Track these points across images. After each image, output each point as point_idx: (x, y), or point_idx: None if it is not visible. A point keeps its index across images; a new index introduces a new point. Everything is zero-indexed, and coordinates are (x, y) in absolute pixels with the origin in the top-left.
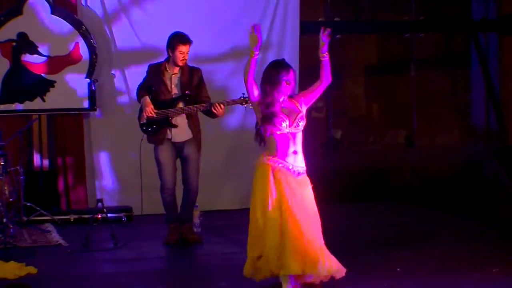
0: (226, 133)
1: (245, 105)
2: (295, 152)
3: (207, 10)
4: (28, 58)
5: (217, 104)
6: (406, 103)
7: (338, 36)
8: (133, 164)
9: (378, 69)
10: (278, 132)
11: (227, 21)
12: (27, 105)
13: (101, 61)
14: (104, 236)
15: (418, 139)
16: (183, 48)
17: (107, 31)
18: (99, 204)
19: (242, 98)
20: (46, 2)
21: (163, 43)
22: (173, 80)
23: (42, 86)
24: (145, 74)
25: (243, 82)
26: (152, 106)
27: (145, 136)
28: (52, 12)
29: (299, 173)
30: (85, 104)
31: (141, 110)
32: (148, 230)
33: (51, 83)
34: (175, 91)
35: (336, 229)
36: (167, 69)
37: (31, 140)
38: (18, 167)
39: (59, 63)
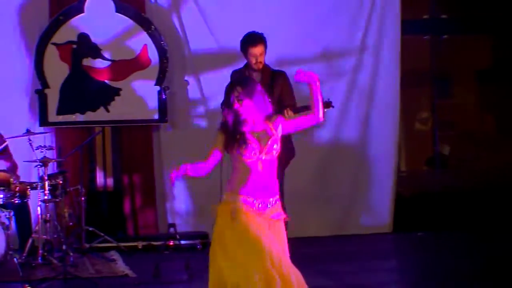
0: (315, 148)
1: (331, 108)
2: None
3: (289, 8)
4: (90, 62)
5: (286, 111)
6: None
7: (444, 36)
8: (210, 184)
9: (492, 74)
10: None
11: (312, 21)
12: (89, 116)
13: (173, 65)
14: (177, 266)
15: None
16: (254, 50)
17: (180, 32)
18: (171, 229)
19: (326, 102)
20: None
21: None
22: None
23: (106, 95)
24: (222, 80)
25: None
26: None
27: None
28: (117, 10)
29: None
30: (155, 115)
31: None
32: None
33: (116, 91)
34: None
35: (444, 260)
36: (247, 74)
37: (93, 156)
38: (79, 187)
39: (125, 68)
